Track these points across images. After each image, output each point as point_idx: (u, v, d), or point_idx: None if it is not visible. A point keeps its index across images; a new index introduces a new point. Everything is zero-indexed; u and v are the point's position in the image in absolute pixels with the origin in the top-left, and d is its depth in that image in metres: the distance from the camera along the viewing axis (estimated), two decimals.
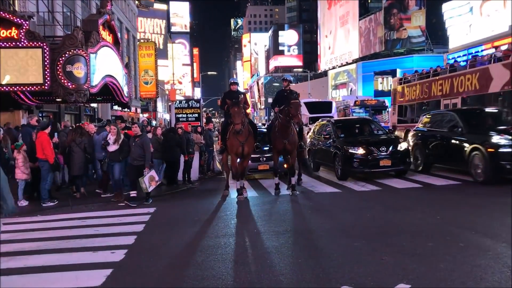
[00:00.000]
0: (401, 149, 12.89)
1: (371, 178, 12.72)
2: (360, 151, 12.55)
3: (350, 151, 12.67)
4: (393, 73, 52.76)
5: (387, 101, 32.31)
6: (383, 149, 12.59)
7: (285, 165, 12.16)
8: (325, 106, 30.06)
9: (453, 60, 34.77)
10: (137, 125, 12.14)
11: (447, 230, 7.04)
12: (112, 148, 11.11)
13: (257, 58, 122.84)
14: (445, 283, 4.86)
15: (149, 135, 13.82)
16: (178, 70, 78.66)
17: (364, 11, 64.54)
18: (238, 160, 11.25)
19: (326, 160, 14.49)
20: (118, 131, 11.31)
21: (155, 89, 40.09)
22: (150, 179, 10.61)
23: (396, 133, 21.11)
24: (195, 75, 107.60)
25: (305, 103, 28.47)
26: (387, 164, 12.52)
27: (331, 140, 13.98)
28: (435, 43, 53.22)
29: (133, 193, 10.90)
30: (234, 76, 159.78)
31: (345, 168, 12.86)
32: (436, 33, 51.69)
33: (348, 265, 5.62)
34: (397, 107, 24.08)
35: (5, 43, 12.93)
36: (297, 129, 11.64)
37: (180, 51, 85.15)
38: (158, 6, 69.69)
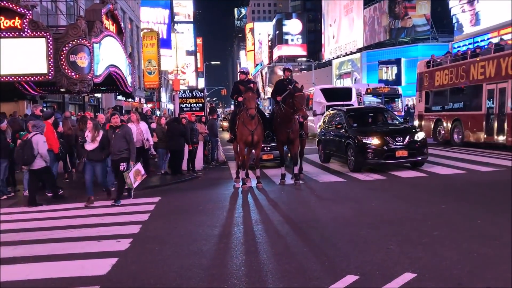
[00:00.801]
0: (418, 139, 12.30)
1: (385, 170, 12.31)
2: (375, 141, 11.99)
3: (364, 141, 12.11)
4: (397, 62, 52.50)
5: (401, 89, 31.19)
6: (399, 139, 11.99)
7: (289, 155, 12.12)
8: (344, 93, 27.16)
9: (457, 49, 34.53)
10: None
11: (452, 219, 7.02)
12: (90, 146, 9.77)
13: (260, 47, 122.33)
14: (451, 272, 4.84)
15: (153, 125, 13.85)
16: (181, 60, 78.50)
17: (368, 0, 63.97)
18: (246, 149, 11.26)
19: (337, 151, 13.88)
20: (95, 126, 9.94)
21: (158, 79, 39.99)
22: (135, 174, 9.76)
23: (423, 123, 20.24)
24: (198, 65, 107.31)
25: (322, 90, 27.19)
26: (404, 155, 11.98)
27: (343, 129, 13.33)
28: (440, 31, 52.76)
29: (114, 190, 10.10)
30: (239, 66, 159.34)
31: (359, 159, 12.27)
32: (441, 21, 51.18)
33: (354, 253, 5.61)
34: (423, 93, 20.96)
35: (8, 33, 12.88)
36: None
37: (183, 41, 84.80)
38: None
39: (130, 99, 39.12)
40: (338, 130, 13.63)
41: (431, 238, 6.10)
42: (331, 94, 26.78)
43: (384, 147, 11.94)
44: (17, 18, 12.95)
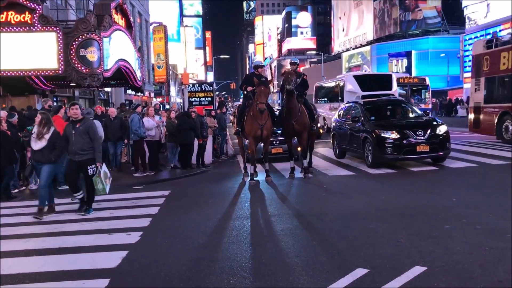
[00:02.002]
0: (440, 133, 11.59)
1: (405, 166, 11.82)
2: (394, 135, 11.37)
3: (382, 135, 11.48)
4: (408, 55, 52.07)
5: (428, 79, 28.64)
6: (420, 132, 11.33)
7: (299, 148, 12.05)
8: (383, 81, 23.20)
9: (470, 41, 34.15)
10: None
11: (463, 213, 6.96)
12: (37, 145, 8.16)
13: (269, 41, 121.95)
14: (462, 265, 4.81)
15: (163, 119, 13.90)
16: (190, 54, 78.51)
17: None
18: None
19: (353, 146, 13.21)
20: (45, 119, 8.29)
21: (166, 73, 40.08)
22: (104, 176, 8.19)
23: (482, 117, 16.85)
24: (207, 59, 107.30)
25: (356, 77, 23.48)
26: (425, 149, 11.31)
27: (360, 123, 12.72)
28: (451, 24, 52.22)
29: (79, 195, 8.44)
30: (248, 60, 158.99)
31: (377, 155, 11.64)
32: (452, 13, 50.63)
33: (363, 247, 5.59)
34: (483, 80, 16.99)
35: (19, 28, 12.97)
36: (308, 110, 11.44)
37: (192, 34, 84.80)
38: None
39: (139, 93, 39.22)
40: (354, 124, 13.07)
41: (441, 231, 6.06)
42: (367, 82, 23.08)
43: (404, 141, 11.29)
44: (27, 13, 13.03)
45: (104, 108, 15.91)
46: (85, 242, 6.42)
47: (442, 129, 11.74)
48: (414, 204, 7.81)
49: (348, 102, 15.36)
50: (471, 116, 17.69)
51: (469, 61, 37.99)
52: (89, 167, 8.08)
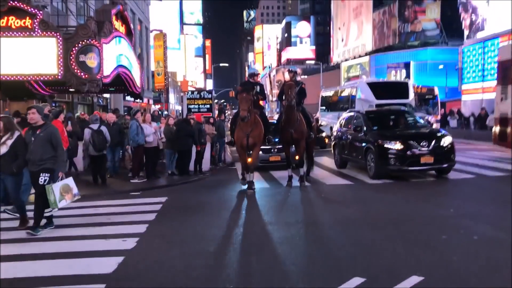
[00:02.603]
0: (444, 144, 11.26)
1: (408, 178, 11.48)
2: (398, 145, 11.04)
3: (385, 145, 11.16)
4: (406, 66, 52.26)
5: (437, 89, 27.45)
6: (424, 143, 11.01)
7: (296, 157, 11.98)
8: (398, 89, 21.75)
9: (468, 54, 34.33)
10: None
11: (460, 223, 6.97)
12: None
13: (269, 50, 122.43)
14: (459, 275, 4.81)
15: (162, 125, 13.89)
16: (190, 61, 78.76)
17: (378, 3, 63.60)
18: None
19: (355, 156, 12.89)
20: (7, 123, 7.51)
21: (164, 80, 40.19)
22: (64, 190, 7.20)
23: (509, 129, 14.22)
24: (207, 67, 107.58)
25: (370, 85, 21.97)
26: (429, 161, 10.97)
27: (362, 133, 12.40)
28: (450, 36, 52.49)
29: (47, 212, 7.37)
30: (247, 69, 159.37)
31: (379, 166, 11.28)
32: (451, 25, 50.91)
33: (360, 256, 5.58)
34: (511, 88, 14.59)
35: (19, 33, 12.99)
36: (305, 119, 11.36)
37: (192, 42, 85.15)
38: None
39: (138, 100, 39.29)
40: (356, 134, 12.75)
41: (439, 241, 6.06)
42: (381, 89, 21.51)
43: (408, 152, 10.95)
44: (28, 18, 13.05)
45: (100, 114, 15.89)
46: (81, 247, 6.39)
47: (446, 140, 11.40)
48: (411, 213, 7.81)
49: (350, 111, 15.04)
50: (496, 128, 15.64)
51: (467, 73, 38.28)
52: (41, 175, 7.05)
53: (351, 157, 13.30)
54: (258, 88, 10.94)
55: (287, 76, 11.48)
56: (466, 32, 40.01)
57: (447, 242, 6.00)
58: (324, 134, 21.73)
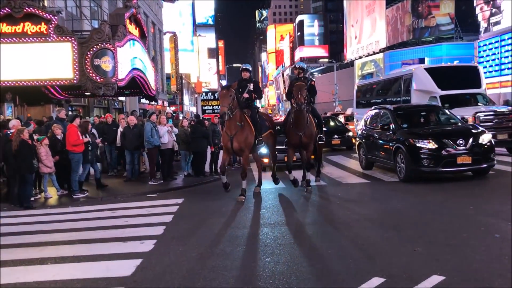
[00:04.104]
0: (483, 142, 10.28)
1: (444, 180, 10.52)
2: (431, 144, 10.11)
3: (417, 144, 10.26)
4: (421, 62, 51.70)
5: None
6: (460, 142, 10.05)
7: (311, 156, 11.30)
8: (467, 76, 17.52)
9: (484, 48, 33.80)
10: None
11: (481, 221, 6.85)
12: None
13: (282, 49, 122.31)
14: (481, 275, 4.71)
15: (175, 129, 13.82)
16: (203, 63, 79.03)
17: None
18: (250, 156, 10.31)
19: (383, 157, 11.99)
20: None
21: (175, 82, 40.40)
22: None
23: None
24: (220, 68, 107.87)
25: (429, 71, 17.89)
26: (467, 161, 10.01)
27: (390, 131, 11.48)
28: (464, 30, 51.82)
29: None
30: (261, 68, 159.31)
31: (411, 167, 10.36)
32: (465, 20, 50.24)
33: (379, 256, 5.51)
34: None
35: (35, 38, 13.16)
36: (316, 120, 10.57)
37: (205, 44, 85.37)
38: None
39: (153, 102, 39.57)
40: (384, 132, 11.84)
41: (459, 240, 5.96)
42: (445, 77, 17.41)
43: (443, 152, 10.01)
44: (43, 23, 13.23)
45: (112, 116, 15.97)
46: (100, 250, 6.43)
47: (485, 138, 10.41)
48: (430, 212, 7.69)
49: (375, 108, 13.86)
50: None
51: (484, 67, 37.73)
52: None
53: (378, 158, 12.41)
54: (251, 86, 10.03)
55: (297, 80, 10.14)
56: (484, 25, 39.26)
57: (468, 241, 5.89)
58: (351, 134, 20.16)
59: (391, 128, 11.57)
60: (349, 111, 33.64)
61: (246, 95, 9.90)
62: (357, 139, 14.06)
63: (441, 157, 10.05)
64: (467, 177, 10.91)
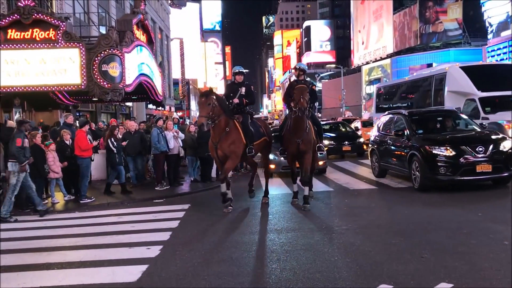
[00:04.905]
0: (504, 149, 9.75)
1: (461, 189, 9.91)
2: (448, 151, 9.60)
3: (434, 151, 9.75)
4: (429, 67, 51.55)
5: None
6: (480, 149, 9.50)
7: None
8: (508, 75, 15.61)
9: (492, 53, 33.59)
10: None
11: (489, 228, 6.78)
12: None
13: (289, 55, 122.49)
14: (490, 282, 4.66)
15: (181, 135, 13.83)
16: (210, 68, 79.33)
17: (398, 5, 63.13)
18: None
19: (397, 164, 11.49)
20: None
21: (181, 87, 40.49)
22: None
23: None
24: (227, 73, 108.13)
25: (466, 70, 16.16)
26: (487, 169, 9.46)
27: (405, 137, 10.96)
28: (472, 36, 51.62)
29: None
30: (267, 74, 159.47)
31: (427, 175, 9.85)
32: (473, 25, 50.06)
33: (386, 262, 5.46)
34: None
35: (43, 44, 13.26)
36: (315, 128, 9.69)
37: (212, 49, 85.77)
38: (190, 4, 70.34)
39: (160, 108, 39.70)
40: (398, 138, 11.36)
41: (467, 247, 5.90)
42: (484, 76, 15.89)
43: (461, 160, 9.49)
44: (51, 29, 13.31)
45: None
46: (106, 256, 6.44)
47: (506, 145, 9.89)
48: (438, 218, 7.63)
49: (388, 113, 13.26)
50: None
51: None
52: None
53: (392, 165, 11.88)
54: (243, 89, 9.51)
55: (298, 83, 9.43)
56: (493, 29, 38.92)
57: (476, 248, 5.82)
58: (362, 140, 19.57)
59: (405, 134, 11.06)
60: (366, 116, 32.99)
61: (236, 100, 9.41)
62: (370, 145, 13.59)
63: (459, 165, 9.52)
64: (474, 184, 10.76)
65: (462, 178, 9.61)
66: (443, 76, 16.88)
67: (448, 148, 9.67)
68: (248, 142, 9.24)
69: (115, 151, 11.65)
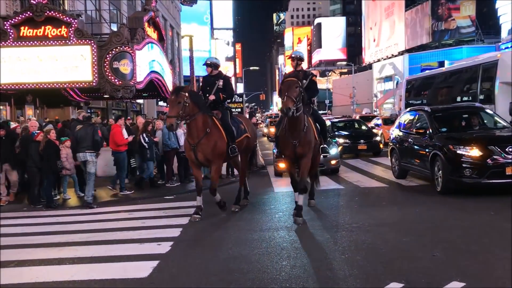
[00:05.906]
0: None
1: (487, 192, 9.00)
2: (475, 152, 8.79)
3: (458, 152, 8.98)
4: (441, 65, 51.05)
5: None
6: (510, 149, 8.61)
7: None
8: None
9: (506, 51, 33.11)
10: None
11: (502, 226, 6.70)
12: None
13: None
14: (503, 282, 4.60)
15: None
16: (221, 66, 79.33)
17: (410, 1, 62.65)
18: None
19: (418, 165, 10.73)
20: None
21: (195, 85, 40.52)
22: None
23: None
24: (237, 71, 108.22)
25: None
26: None
27: (427, 136, 10.20)
28: (485, 33, 51.06)
29: None
30: (278, 71, 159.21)
31: (450, 177, 9.07)
32: (487, 22, 49.54)
33: (397, 261, 5.43)
34: None
35: (55, 41, 13.36)
36: (318, 126, 8.58)
37: (222, 47, 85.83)
38: (201, 2, 70.40)
39: None
40: (419, 137, 10.60)
41: (479, 245, 5.84)
42: None
43: (488, 161, 8.65)
44: (63, 27, 13.43)
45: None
46: (117, 252, 6.47)
47: None
48: (449, 217, 7.57)
49: (410, 110, 12.48)
50: None
51: None
52: None
53: (413, 166, 11.13)
54: (220, 83, 8.71)
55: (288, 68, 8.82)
56: (509, 26, 38.34)
57: (488, 247, 5.76)
58: (378, 138, 19.15)
59: (427, 132, 10.28)
60: (397, 107, 31.95)
61: (212, 97, 8.56)
62: (390, 144, 12.77)
63: (486, 166, 8.66)
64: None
65: (490, 181, 8.75)
66: (494, 64, 14.65)
67: (474, 148, 8.87)
68: (229, 140, 8.45)
69: (147, 147, 11.78)
